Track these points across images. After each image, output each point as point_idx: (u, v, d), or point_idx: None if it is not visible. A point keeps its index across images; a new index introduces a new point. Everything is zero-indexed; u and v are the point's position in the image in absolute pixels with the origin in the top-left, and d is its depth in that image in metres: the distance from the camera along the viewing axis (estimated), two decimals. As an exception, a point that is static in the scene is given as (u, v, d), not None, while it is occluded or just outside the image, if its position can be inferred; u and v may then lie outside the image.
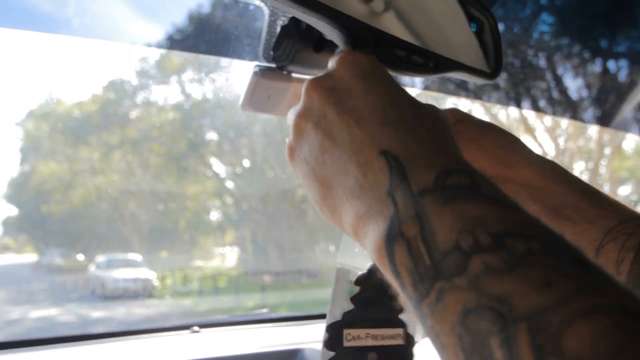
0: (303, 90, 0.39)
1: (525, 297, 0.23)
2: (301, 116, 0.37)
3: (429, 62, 0.44)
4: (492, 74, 0.52)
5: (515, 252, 0.24)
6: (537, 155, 0.50)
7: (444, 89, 1.21)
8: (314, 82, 0.37)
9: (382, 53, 0.41)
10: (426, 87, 1.05)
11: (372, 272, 0.44)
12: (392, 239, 0.28)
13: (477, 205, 0.27)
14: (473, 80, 0.51)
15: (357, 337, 0.44)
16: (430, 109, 0.36)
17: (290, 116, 0.39)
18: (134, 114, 9.58)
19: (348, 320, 0.44)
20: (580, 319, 0.21)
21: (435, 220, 0.27)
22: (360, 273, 0.45)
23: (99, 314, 6.51)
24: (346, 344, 0.44)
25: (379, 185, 0.31)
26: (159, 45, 0.70)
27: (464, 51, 0.48)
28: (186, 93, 9.73)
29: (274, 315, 1.13)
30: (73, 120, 9.44)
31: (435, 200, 0.28)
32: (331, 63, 0.39)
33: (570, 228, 0.47)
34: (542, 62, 1.27)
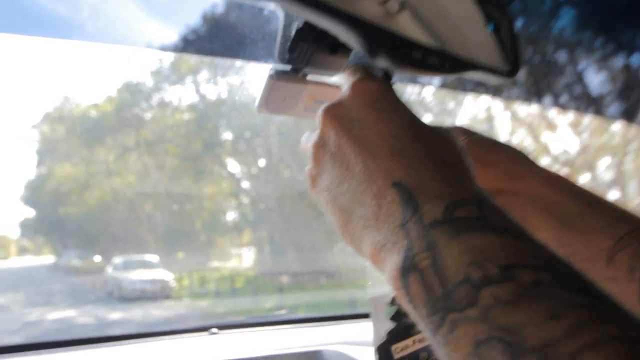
0: (318, 118, 0.40)
1: (534, 329, 0.24)
2: (319, 146, 0.39)
3: (445, 63, 0.44)
4: (509, 74, 0.52)
5: (524, 284, 0.25)
6: (542, 168, 0.51)
7: (462, 86, 1.21)
8: (329, 112, 0.38)
9: (398, 55, 0.41)
10: (443, 85, 1.06)
11: None
12: (407, 271, 0.30)
13: (485, 236, 0.28)
14: (490, 81, 0.52)
15: (405, 348, 0.47)
16: (442, 135, 0.37)
17: (307, 144, 0.41)
18: (149, 115, 9.67)
19: (394, 337, 0.47)
20: (588, 351, 0.22)
21: (445, 253, 0.29)
22: (393, 294, 0.48)
23: (116, 316, 6.59)
24: (396, 356, 0.46)
25: (393, 216, 0.32)
26: (174, 49, 0.71)
27: (480, 51, 0.49)
28: (201, 94, 9.80)
29: (292, 317, 1.14)
30: (89, 122, 9.56)
31: (444, 233, 0.29)
32: (344, 88, 0.40)
33: (579, 237, 0.48)
34: (563, 56, 1.26)
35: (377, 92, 0.38)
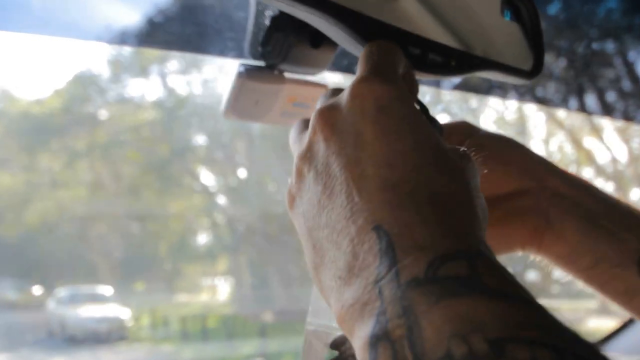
0: (311, 120, 0.40)
1: None
2: (304, 158, 0.38)
3: (450, 61, 0.45)
4: (531, 73, 0.52)
5: None
6: (560, 168, 0.56)
7: (482, 87, 1.21)
8: (323, 116, 0.38)
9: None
10: (458, 87, 1.06)
11: None
12: (377, 340, 0.29)
13: (474, 302, 0.28)
14: (508, 81, 0.52)
15: None
16: (452, 163, 0.36)
17: (294, 147, 0.40)
18: (104, 113, 9.66)
19: None
20: None
21: (424, 322, 0.28)
22: (338, 334, 0.46)
23: (59, 362, 6.53)
24: None
25: (368, 270, 0.32)
26: (126, 42, 0.71)
27: (494, 45, 0.49)
28: (169, 88, 9.80)
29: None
30: (30, 122, 9.55)
31: (424, 295, 0.29)
32: (346, 89, 0.39)
33: (608, 238, 0.51)
34: (609, 46, 1.27)
35: (383, 99, 0.37)
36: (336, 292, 0.33)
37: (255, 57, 0.55)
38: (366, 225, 0.33)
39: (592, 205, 0.53)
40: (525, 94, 1.29)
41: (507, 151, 0.55)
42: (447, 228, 0.32)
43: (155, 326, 8.88)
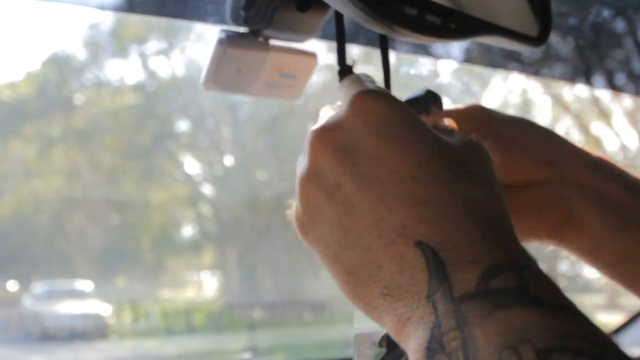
0: (306, 143, 0.40)
1: None
2: (309, 181, 0.39)
3: (449, 23, 0.44)
4: (538, 39, 0.52)
5: None
6: (583, 150, 0.54)
7: (490, 60, 1.20)
8: (321, 136, 0.38)
9: (386, 12, 0.41)
10: (467, 59, 1.05)
11: None
12: (434, 353, 0.32)
13: (524, 312, 0.31)
14: (513, 48, 0.51)
15: None
16: (475, 169, 0.38)
17: (297, 171, 0.40)
18: (81, 97, 9.63)
19: None
20: None
21: (478, 334, 0.31)
22: (384, 332, 0.48)
23: (36, 361, 6.54)
24: None
25: (418, 285, 0.34)
26: (103, 7, 0.70)
27: (498, 9, 0.48)
28: (150, 70, 9.76)
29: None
30: (1, 107, 9.51)
31: (477, 308, 0.32)
32: (342, 105, 0.39)
33: (637, 232, 0.51)
34: (620, 24, 1.27)
35: (387, 114, 0.38)
36: (387, 308, 0.36)
37: (237, 23, 0.54)
38: (406, 241, 0.35)
39: (619, 195, 0.52)
40: (532, 71, 1.29)
41: (524, 137, 0.54)
42: (491, 239, 0.35)
43: (138, 323, 8.90)
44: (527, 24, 0.51)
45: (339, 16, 0.45)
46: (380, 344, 0.48)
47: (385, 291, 0.36)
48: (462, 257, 0.33)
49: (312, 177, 0.39)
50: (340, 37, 0.46)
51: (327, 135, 0.38)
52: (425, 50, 1.02)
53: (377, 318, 0.37)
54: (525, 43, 0.51)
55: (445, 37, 0.44)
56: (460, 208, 0.35)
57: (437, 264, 0.33)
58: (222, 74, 0.55)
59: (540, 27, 0.51)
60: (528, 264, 0.34)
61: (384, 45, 0.50)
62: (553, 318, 0.30)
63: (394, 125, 0.37)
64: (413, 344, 0.34)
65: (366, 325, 0.48)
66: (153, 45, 9.29)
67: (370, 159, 0.37)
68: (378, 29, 0.42)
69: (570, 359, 0.28)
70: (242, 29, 0.54)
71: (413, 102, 0.51)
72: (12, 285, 9.50)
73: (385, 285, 0.36)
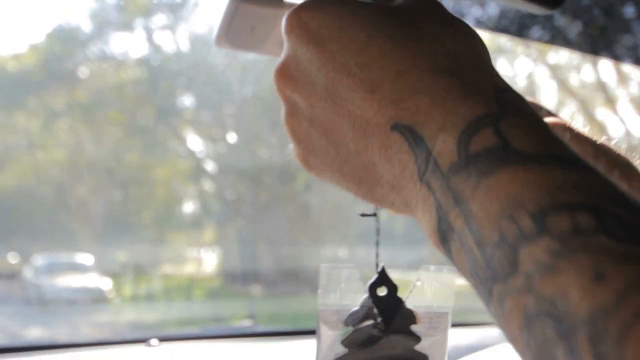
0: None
1: (579, 297, 0.25)
2: (290, 117, 0.40)
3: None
4: (553, 2, 0.51)
5: (560, 236, 0.26)
6: (603, 144, 0.54)
7: (502, 26, 1.19)
8: (278, 74, 0.39)
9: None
10: (478, 23, 1.04)
11: (367, 306, 0.48)
12: (445, 235, 0.32)
13: (510, 175, 0.29)
14: (527, 9, 0.51)
15: None
16: (422, 18, 0.37)
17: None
18: (85, 71, 9.60)
19: None
20: (637, 321, 0.23)
21: (475, 208, 0.30)
22: (352, 309, 0.48)
23: (35, 332, 6.58)
24: None
25: (408, 168, 0.34)
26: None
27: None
28: (154, 44, 9.72)
29: (258, 329, 1.16)
30: (6, 79, 9.48)
31: (466, 180, 0.30)
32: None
33: None
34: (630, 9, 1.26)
35: (315, 21, 0.38)
36: (401, 201, 0.36)
37: (251, -23, 0.53)
38: (383, 129, 0.34)
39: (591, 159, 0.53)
40: (545, 38, 1.27)
41: None
42: (458, 92, 0.33)
43: (138, 297, 8.94)
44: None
45: None
46: (346, 323, 0.48)
47: (390, 186, 0.36)
48: (437, 126, 0.32)
49: (289, 113, 0.40)
50: None
51: (282, 71, 0.39)
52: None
53: (399, 211, 0.37)
54: (541, 4, 0.51)
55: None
56: (415, 71, 0.34)
57: (417, 141, 0.33)
58: (234, 31, 0.55)
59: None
60: (504, 104, 0.32)
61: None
62: (541, 172, 0.29)
63: (326, 25, 0.37)
64: (427, 229, 0.33)
65: (331, 301, 0.48)
66: (158, 19, 9.23)
67: (318, 70, 0.37)
68: None
69: (566, 218, 0.26)
70: (256, -16, 0.54)
71: None
72: (12, 257, 9.54)
73: (387, 180, 0.36)
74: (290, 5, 0.54)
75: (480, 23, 1.05)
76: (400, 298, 0.47)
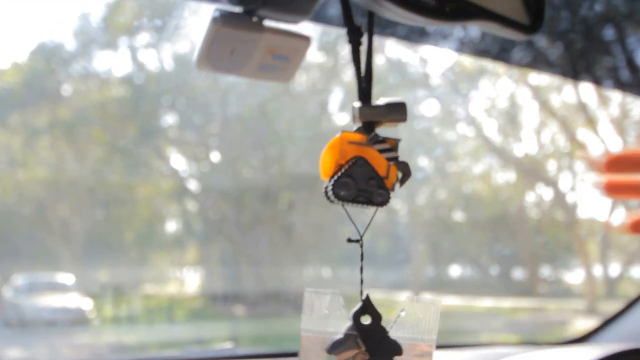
0: None
1: None
2: None
3: (445, 6, 0.44)
4: (530, 28, 0.52)
5: None
6: None
7: (484, 51, 1.21)
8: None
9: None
10: (460, 48, 1.06)
11: (350, 335, 0.48)
12: None
13: None
14: (505, 35, 0.52)
15: None
16: None
17: None
18: (68, 88, 9.56)
19: None
20: None
21: None
22: (336, 338, 0.48)
23: (14, 353, 6.49)
24: None
25: None
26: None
27: (492, -6, 0.48)
28: (139, 62, 9.70)
29: (239, 352, 1.14)
30: (-13, 96, 9.42)
31: None
32: None
33: None
34: (609, 32, 1.27)
35: None
36: None
37: (232, 2, 0.54)
38: None
39: None
40: (526, 64, 1.29)
41: None
42: None
43: (119, 318, 8.84)
44: (521, 12, 0.52)
45: None
46: (329, 351, 0.48)
47: None
48: None
49: None
50: None
51: None
52: (420, 37, 1.02)
53: None
54: (518, 30, 0.51)
55: (440, 19, 0.44)
56: None
57: None
58: (215, 53, 0.55)
59: (533, 15, 0.52)
60: None
61: (370, 23, 0.50)
62: None
63: None
64: None
65: (315, 328, 0.48)
66: (142, 38, 9.23)
67: None
68: (369, 5, 0.42)
69: None
70: (237, 9, 0.54)
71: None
72: (-8, 277, 9.41)
73: None
74: (270, 29, 0.55)
75: (463, 44, 1.07)
76: (384, 328, 0.47)
